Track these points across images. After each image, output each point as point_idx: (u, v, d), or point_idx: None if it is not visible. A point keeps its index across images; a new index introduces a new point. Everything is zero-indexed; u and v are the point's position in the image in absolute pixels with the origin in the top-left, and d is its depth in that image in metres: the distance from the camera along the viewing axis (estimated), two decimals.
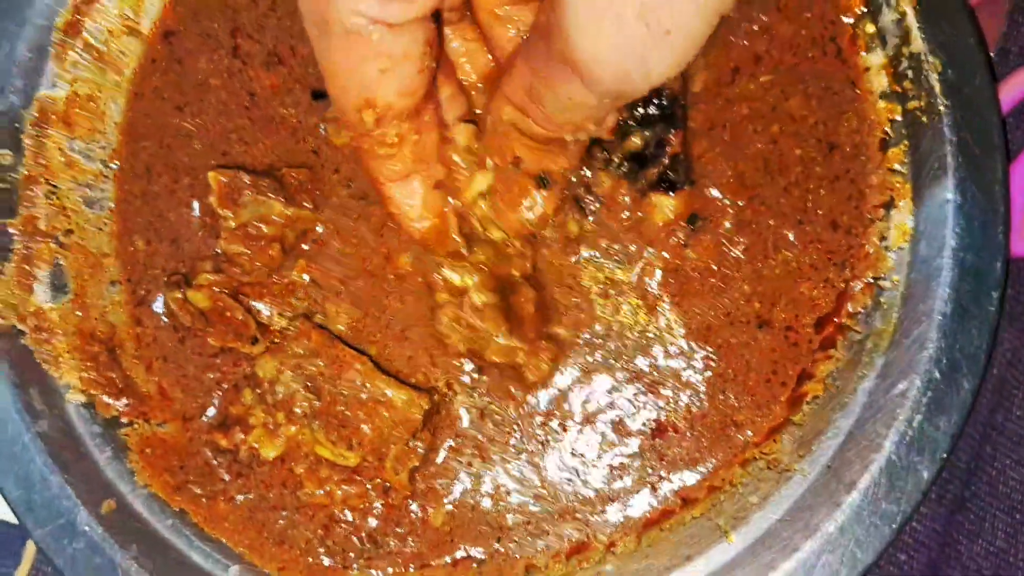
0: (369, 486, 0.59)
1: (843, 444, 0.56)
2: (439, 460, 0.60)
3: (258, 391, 0.59)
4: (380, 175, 0.53)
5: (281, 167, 0.62)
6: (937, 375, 0.55)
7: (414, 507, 0.60)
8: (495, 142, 0.53)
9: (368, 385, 0.58)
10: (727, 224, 0.60)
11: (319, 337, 0.59)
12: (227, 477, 0.60)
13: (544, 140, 0.51)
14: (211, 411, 0.61)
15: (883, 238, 0.58)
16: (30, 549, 0.66)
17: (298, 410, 0.58)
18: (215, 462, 0.60)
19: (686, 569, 0.56)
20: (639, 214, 0.59)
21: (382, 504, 0.59)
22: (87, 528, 0.56)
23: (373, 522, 0.59)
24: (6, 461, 0.57)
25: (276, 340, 0.60)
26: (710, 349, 0.60)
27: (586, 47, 0.43)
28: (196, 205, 0.63)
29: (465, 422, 0.60)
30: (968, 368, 0.55)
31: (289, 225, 0.61)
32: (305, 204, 0.61)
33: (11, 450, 0.57)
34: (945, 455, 0.54)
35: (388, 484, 0.59)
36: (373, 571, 0.59)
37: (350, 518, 0.59)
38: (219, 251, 0.61)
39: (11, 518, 0.65)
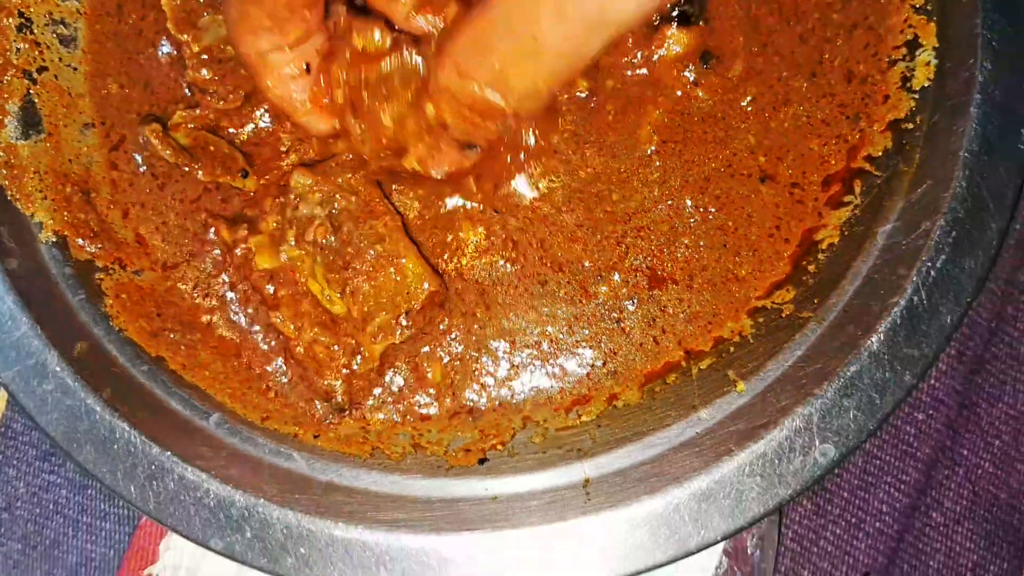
0: (337, 346, 0.55)
1: (860, 288, 0.53)
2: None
3: (280, 200, 0.55)
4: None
5: None
6: (962, 214, 0.51)
7: (403, 367, 0.56)
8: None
9: (387, 241, 0.54)
10: (738, 69, 0.57)
11: (365, 177, 0.56)
12: (211, 269, 0.57)
13: (483, 109, 0.48)
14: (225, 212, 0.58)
15: (905, 79, 0.55)
16: None
17: (310, 235, 0.55)
18: (206, 249, 0.57)
19: (691, 419, 0.53)
20: (648, 50, 0.56)
21: (344, 366, 0.55)
22: (58, 369, 0.53)
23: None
24: None
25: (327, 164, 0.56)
26: (707, 200, 0.57)
27: None
28: (164, 43, 0.59)
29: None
30: (995, 207, 0.51)
31: None
32: None
33: None
34: (969, 299, 0.51)
35: (361, 349, 0.55)
36: (369, 417, 0.56)
37: (347, 366, 0.56)
38: (188, 81, 0.57)
39: None
